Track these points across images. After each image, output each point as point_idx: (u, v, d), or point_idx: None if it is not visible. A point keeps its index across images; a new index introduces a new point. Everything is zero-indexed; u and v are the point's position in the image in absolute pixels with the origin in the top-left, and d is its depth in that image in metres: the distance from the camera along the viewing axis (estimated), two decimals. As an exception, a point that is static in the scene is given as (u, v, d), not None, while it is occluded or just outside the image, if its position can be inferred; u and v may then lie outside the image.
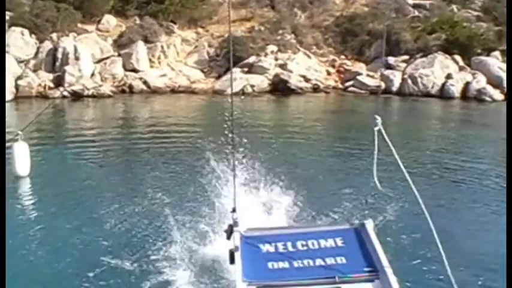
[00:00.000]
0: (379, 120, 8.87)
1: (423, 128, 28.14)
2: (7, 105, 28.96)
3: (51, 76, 33.49)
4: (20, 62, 33.75)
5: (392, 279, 7.90)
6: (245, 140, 16.08)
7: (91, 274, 12.22)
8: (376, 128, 8.81)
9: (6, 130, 21.16)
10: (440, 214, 14.57)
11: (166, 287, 11.60)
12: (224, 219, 12.19)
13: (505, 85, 32.83)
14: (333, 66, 36.81)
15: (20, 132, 19.04)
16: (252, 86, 34.06)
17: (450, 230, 13.79)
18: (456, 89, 33.84)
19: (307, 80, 34.89)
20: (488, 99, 32.77)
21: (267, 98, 33.77)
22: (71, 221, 15.44)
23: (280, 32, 37.94)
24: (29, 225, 15.33)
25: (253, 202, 14.65)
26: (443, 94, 33.95)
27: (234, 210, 9.56)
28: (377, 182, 9.04)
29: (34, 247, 13.88)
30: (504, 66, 33.27)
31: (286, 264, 8.57)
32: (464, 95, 33.75)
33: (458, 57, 35.59)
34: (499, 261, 8.07)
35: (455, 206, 16.41)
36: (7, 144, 18.19)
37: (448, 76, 34.63)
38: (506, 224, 6.20)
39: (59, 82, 33.04)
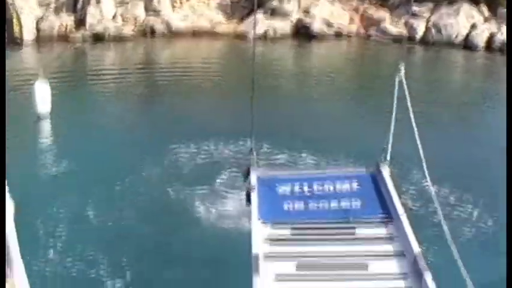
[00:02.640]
0: (402, 68, 8.82)
1: (445, 78, 27.87)
2: (28, 48, 29.16)
3: (72, 18, 33.32)
4: (41, 4, 33.60)
5: (406, 225, 7.97)
6: (266, 84, 16.18)
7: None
8: (397, 79, 8.80)
9: (27, 72, 21.33)
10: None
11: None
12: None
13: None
14: (356, 12, 36.35)
15: (41, 72, 19.16)
16: (275, 30, 33.78)
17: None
18: (481, 39, 33.31)
19: (329, 25, 34.51)
20: (513, 50, 32.25)
21: (290, 42, 33.51)
22: (90, 157, 15.70)
23: (304, -24, 37.44)
24: (50, 164, 15.57)
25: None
26: (467, 44, 33.47)
27: (251, 151, 9.63)
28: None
29: (55, 184, 14.11)
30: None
31: (301, 206, 8.67)
32: (489, 46, 33.21)
33: (484, 7, 35.00)
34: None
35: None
36: (28, 85, 18.28)
37: (473, 26, 34.05)
38: (507, 222, 6.20)
39: (80, 24, 32.91)
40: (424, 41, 33.74)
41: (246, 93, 15.65)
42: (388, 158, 9.23)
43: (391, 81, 8.99)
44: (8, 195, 4.05)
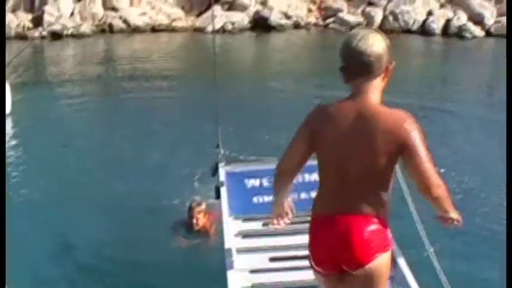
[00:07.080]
0: None
1: (404, 64, 28.13)
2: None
3: (30, 16, 33.10)
4: (-3, 2, 33.28)
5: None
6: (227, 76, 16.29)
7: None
8: None
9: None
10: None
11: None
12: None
13: (485, 21, 33.02)
14: (314, 3, 36.53)
15: (0, 72, 18.93)
16: (233, 24, 33.78)
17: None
18: (437, 25, 33.76)
19: (287, 17, 34.64)
20: (468, 35, 32.72)
21: (248, 35, 33.64)
22: (53, 155, 15.71)
23: (261, -32, 37.53)
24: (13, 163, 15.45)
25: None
26: (424, 31, 33.93)
27: (218, 147, 9.73)
28: None
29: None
30: (485, 3, 33.57)
31: (270, 199, 8.75)
32: (445, 31, 33.70)
33: (439, -7, 35.47)
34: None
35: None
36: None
37: (429, 13, 34.54)
38: (507, 221, 6.34)
39: (38, 22, 32.66)
40: (382, 29, 33.98)
41: (207, 82, 15.86)
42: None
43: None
44: None
